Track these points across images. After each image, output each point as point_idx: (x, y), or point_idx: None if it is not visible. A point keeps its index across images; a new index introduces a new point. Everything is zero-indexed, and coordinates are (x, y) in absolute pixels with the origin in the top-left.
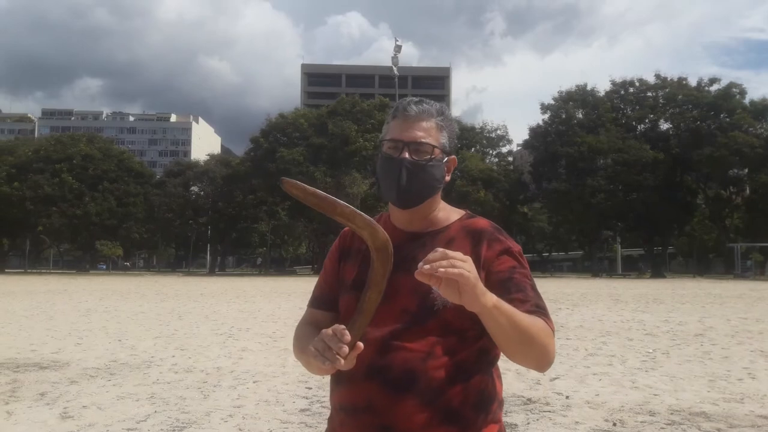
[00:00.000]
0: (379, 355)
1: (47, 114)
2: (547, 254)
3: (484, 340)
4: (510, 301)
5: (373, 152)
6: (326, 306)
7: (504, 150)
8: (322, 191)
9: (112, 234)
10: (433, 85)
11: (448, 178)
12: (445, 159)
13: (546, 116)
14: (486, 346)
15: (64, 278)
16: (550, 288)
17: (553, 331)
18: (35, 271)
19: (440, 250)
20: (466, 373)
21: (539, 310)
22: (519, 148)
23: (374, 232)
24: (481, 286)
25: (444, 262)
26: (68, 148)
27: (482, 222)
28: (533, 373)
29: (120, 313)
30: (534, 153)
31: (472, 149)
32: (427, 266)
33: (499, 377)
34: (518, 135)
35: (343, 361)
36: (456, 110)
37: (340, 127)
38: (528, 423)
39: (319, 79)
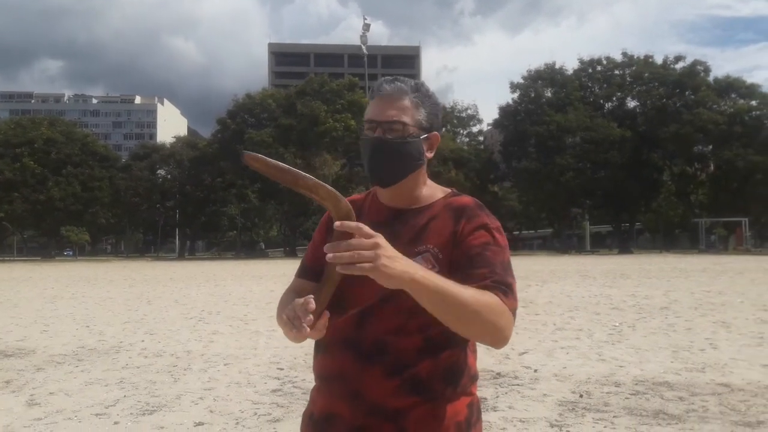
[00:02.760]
0: (355, 328)
1: (5, 97)
2: (518, 233)
3: None
4: (470, 275)
5: (343, 133)
6: (311, 276)
7: (474, 129)
8: (284, 164)
9: (77, 219)
10: (403, 64)
11: (429, 154)
12: (424, 135)
13: (515, 95)
14: None
15: (29, 265)
16: (520, 265)
17: (510, 308)
18: None
19: (344, 228)
20: (437, 347)
21: (497, 285)
22: (489, 127)
23: (337, 203)
24: (390, 263)
25: (344, 254)
26: (29, 132)
27: (466, 199)
28: (502, 348)
29: (87, 299)
30: (504, 132)
31: (443, 129)
32: (329, 255)
33: (474, 352)
34: (489, 114)
35: (308, 329)
36: None
37: (309, 107)
38: (497, 396)
39: (287, 59)
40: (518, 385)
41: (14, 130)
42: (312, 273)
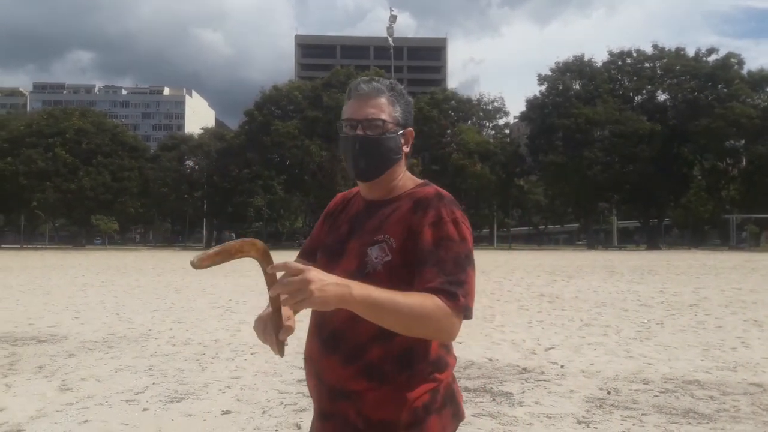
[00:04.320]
0: (320, 316)
1: (39, 87)
2: (543, 227)
3: None
4: (420, 274)
5: None
6: (308, 257)
7: (501, 122)
8: (214, 248)
9: (107, 209)
10: (429, 56)
11: (406, 149)
12: (401, 131)
13: (543, 88)
14: None
15: (60, 253)
16: (545, 260)
17: (455, 310)
18: (31, 246)
19: (279, 269)
20: (390, 333)
21: (443, 287)
22: (516, 120)
23: (253, 246)
24: (321, 293)
25: (281, 293)
26: (61, 122)
27: (429, 190)
28: (528, 343)
29: (117, 287)
30: (531, 125)
31: (469, 122)
32: (271, 294)
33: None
34: (515, 107)
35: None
36: (452, 82)
37: (335, 99)
38: (523, 392)
39: (313, 51)
40: (544, 380)
41: (47, 120)
42: (307, 253)
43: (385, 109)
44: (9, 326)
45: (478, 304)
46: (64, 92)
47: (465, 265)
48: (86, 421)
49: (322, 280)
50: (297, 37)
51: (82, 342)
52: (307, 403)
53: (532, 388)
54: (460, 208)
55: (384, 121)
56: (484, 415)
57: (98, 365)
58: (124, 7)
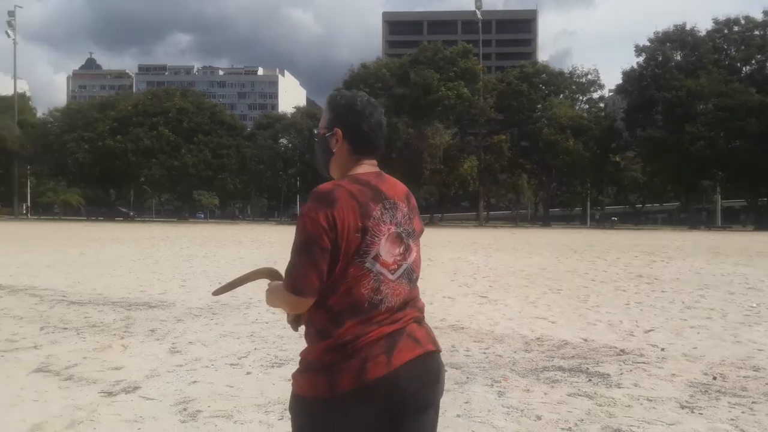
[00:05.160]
0: None
1: (143, 69)
2: (641, 206)
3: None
4: None
5: (455, 101)
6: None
7: (595, 96)
8: (230, 282)
9: (208, 184)
10: (518, 28)
11: (334, 149)
12: (328, 133)
13: (641, 59)
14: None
15: (166, 226)
16: (643, 240)
17: (285, 288)
18: (140, 219)
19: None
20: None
21: (285, 270)
22: (611, 93)
23: (264, 273)
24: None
25: None
26: (164, 102)
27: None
28: (626, 324)
29: (219, 258)
30: (628, 98)
31: (561, 96)
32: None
33: (324, 309)
34: (611, 80)
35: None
36: (543, 55)
37: (422, 76)
38: (621, 373)
39: (400, 28)
40: (644, 363)
41: (151, 100)
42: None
43: (323, 118)
44: (123, 292)
45: (571, 284)
46: (166, 73)
47: (294, 252)
48: (194, 381)
49: (271, 289)
50: (384, 14)
51: (189, 309)
52: None
53: (631, 370)
54: (317, 201)
55: (319, 129)
56: (579, 395)
57: (204, 330)
58: None
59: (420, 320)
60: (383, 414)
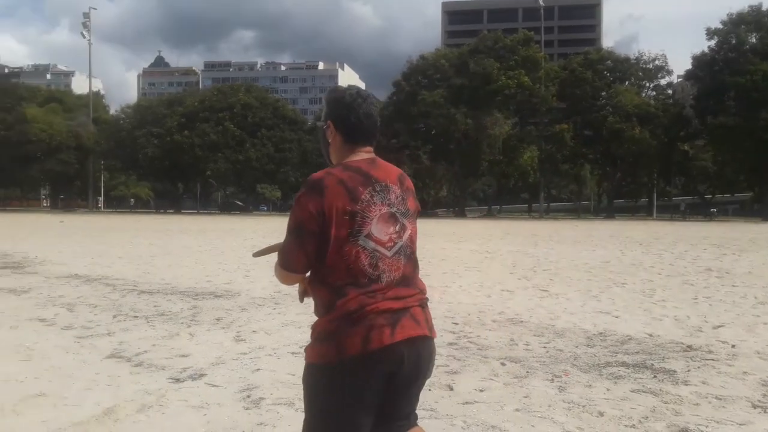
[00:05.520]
0: None
1: (209, 66)
2: (710, 196)
3: (318, 268)
4: None
5: (515, 90)
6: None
7: (663, 82)
8: (269, 246)
9: (270, 178)
10: (582, 15)
11: (329, 139)
12: (323, 126)
13: (712, 43)
14: (319, 272)
15: (231, 218)
16: (713, 232)
17: (277, 263)
18: (206, 211)
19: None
20: (312, 284)
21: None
22: (680, 79)
23: None
24: None
25: None
26: (229, 98)
27: None
28: (693, 320)
29: None
30: (698, 84)
31: (626, 83)
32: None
33: (323, 284)
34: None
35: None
36: (608, 41)
37: (481, 65)
38: (688, 370)
39: (459, 17)
40: (713, 360)
41: (217, 96)
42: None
43: (322, 112)
44: (190, 282)
45: (636, 278)
46: (231, 70)
47: (286, 233)
48: (258, 369)
49: None
50: (444, 4)
51: (252, 298)
52: (458, 366)
53: (699, 367)
54: (308, 189)
55: (319, 121)
56: (644, 392)
57: (267, 319)
58: None
59: (424, 304)
60: (382, 382)
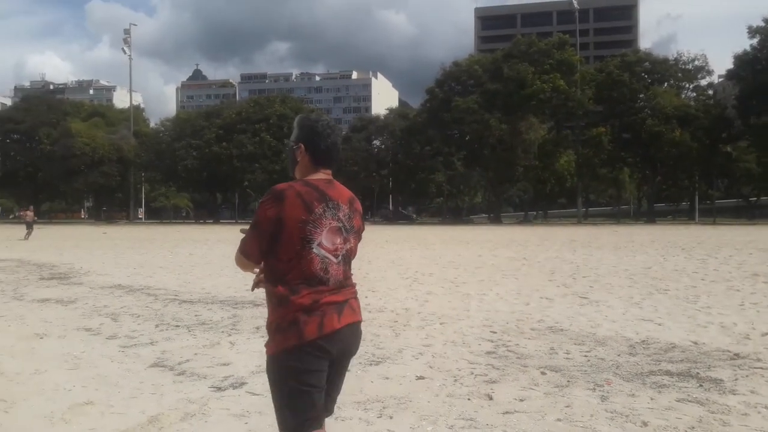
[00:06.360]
0: None
1: (245, 78)
2: (755, 199)
3: (270, 264)
4: None
5: (550, 94)
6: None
7: (703, 83)
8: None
9: None
10: (618, 16)
11: (298, 159)
12: (295, 147)
13: (755, 41)
14: (278, 271)
15: None
16: (759, 236)
17: (239, 251)
18: (244, 221)
19: None
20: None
21: None
22: (721, 79)
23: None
24: None
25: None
26: (265, 109)
27: None
28: (740, 327)
29: None
30: (740, 84)
31: (665, 84)
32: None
33: (280, 281)
34: (721, 65)
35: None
36: (645, 42)
37: (515, 70)
38: (736, 379)
39: (493, 22)
40: (762, 368)
41: (253, 108)
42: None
43: (294, 133)
44: (230, 291)
45: (679, 284)
46: (266, 81)
47: (249, 227)
48: None
49: None
50: (477, 9)
51: None
52: (498, 376)
53: (747, 376)
54: (271, 197)
55: (290, 141)
56: (690, 401)
57: None
58: None
59: (356, 296)
60: (330, 360)
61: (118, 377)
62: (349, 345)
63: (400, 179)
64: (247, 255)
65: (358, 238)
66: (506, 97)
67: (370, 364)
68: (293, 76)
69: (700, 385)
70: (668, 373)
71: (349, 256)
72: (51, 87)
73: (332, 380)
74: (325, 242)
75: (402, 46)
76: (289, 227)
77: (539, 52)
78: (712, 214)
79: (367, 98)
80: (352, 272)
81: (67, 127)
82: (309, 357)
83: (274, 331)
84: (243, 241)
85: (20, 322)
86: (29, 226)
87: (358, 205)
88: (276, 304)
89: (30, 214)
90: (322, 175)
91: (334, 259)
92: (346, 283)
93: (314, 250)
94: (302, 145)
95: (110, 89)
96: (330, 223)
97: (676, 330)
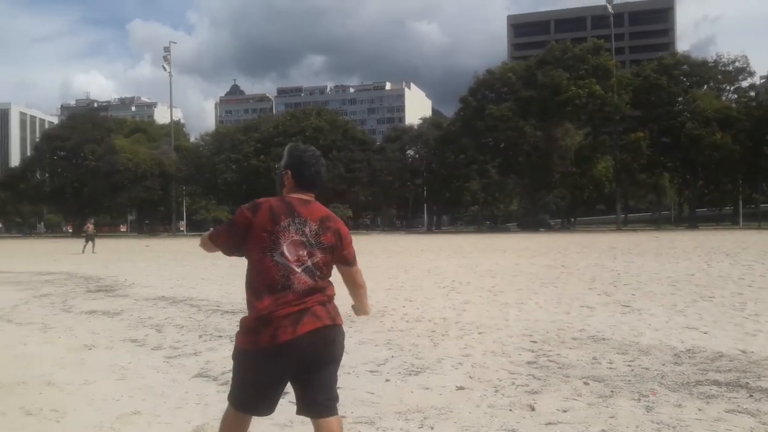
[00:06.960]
0: None
1: (281, 92)
2: None
3: (248, 273)
4: None
5: (586, 99)
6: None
7: (744, 84)
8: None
9: (341, 197)
10: (654, 20)
11: (285, 183)
12: (283, 172)
13: None
14: (248, 276)
15: None
16: None
17: (207, 235)
18: None
19: None
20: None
21: None
22: (763, 81)
23: None
24: None
25: None
26: (301, 122)
27: None
28: None
29: (371, 269)
30: None
31: (704, 87)
32: None
33: (251, 290)
34: (762, 66)
35: None
36: (682, 45)
37: (549, 76)
38: None
39: (526, 29)
40: None
41: (290, 121)
42: None
43: (283, 158)
44: None
45: (725, 291)
46: (302, 94)
47: (225, 222)
48: (338, 388)
49: None
50: (509, 17)
51: None
52: (539, 386)
53: None
54: (249, 206)
55: (279, 166)
56: (740, 412)
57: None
58: (348, 11)
59: (324, 303)
60: (291, 368)
61: (164, 387)
62: (315, 350)
63: (434, 188)
64: (214, 240)
65: (330, 252)
66: (541, 103)
67: (410, 374)
68: (328, 89)
69: (750, 396)
70: (716, 383)
71: (317, 269)
72: (95, 105)
73: (308, 382)
74: (287, 252)
75: (435, 56)
76: (255, 233)
77: (574, 57)
78: (757, 219)
79: (401, 108)
80: (328, 282)
81: (111, 144)
82: (261, 361)
83: (241, 329)
84: (216, 229)
85: (69, 333)
86: (91, 239)
87: (335, 224)
88: (248, 307)
89: (91, 227)
90: (303, 195)
91: (297, 269)
92: (313, 292)
93: (275, 258)
94: (289, 172)
95: (151, 106)
96: (293, 237)
97: (722, 338)
